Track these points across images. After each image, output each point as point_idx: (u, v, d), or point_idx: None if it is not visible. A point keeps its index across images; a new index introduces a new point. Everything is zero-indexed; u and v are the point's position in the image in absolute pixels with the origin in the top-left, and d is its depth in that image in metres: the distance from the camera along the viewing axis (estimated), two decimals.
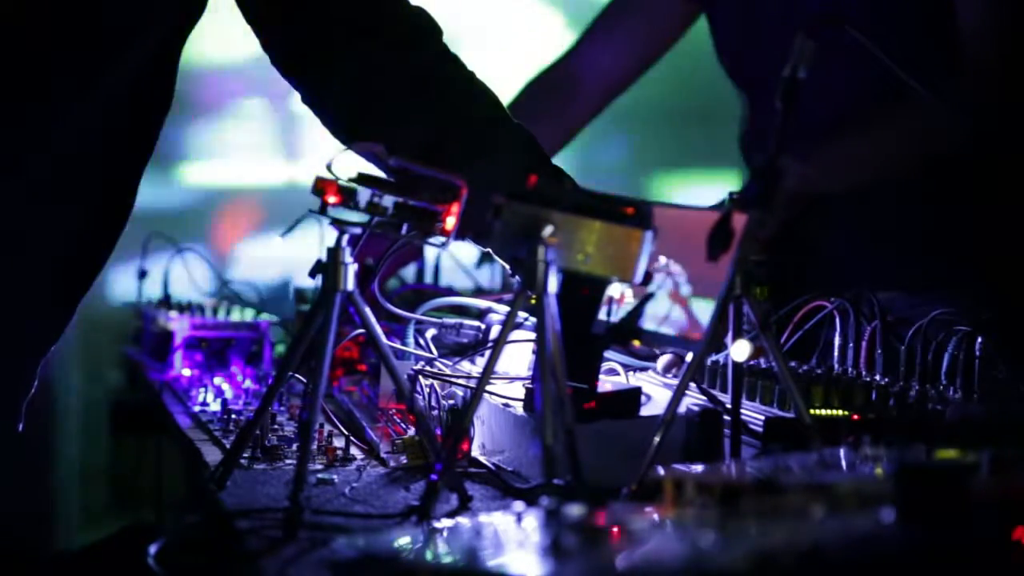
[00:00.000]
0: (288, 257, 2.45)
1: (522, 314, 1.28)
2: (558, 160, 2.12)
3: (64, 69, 1.31)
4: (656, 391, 1.45)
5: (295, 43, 1.53)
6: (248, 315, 2.11)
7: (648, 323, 1.25)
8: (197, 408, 1.70)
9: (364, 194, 1.23)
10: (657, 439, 1.16)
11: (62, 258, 1.40)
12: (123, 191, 1.42)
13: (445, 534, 0.93)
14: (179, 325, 2.00)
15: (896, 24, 1.82)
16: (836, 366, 1.45)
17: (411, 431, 1.43)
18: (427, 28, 1.58)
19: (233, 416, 1.60)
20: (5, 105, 1.31)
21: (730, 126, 2.13)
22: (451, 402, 1.46)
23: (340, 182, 1.22)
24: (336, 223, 1.24)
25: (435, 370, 1.53)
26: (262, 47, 1.55)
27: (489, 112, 1.60)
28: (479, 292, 2.34)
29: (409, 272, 2.42)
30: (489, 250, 1.65)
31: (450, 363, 1.56)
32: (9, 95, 1.31)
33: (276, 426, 1.53)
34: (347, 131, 1.57)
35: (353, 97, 1.54)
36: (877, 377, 1.40)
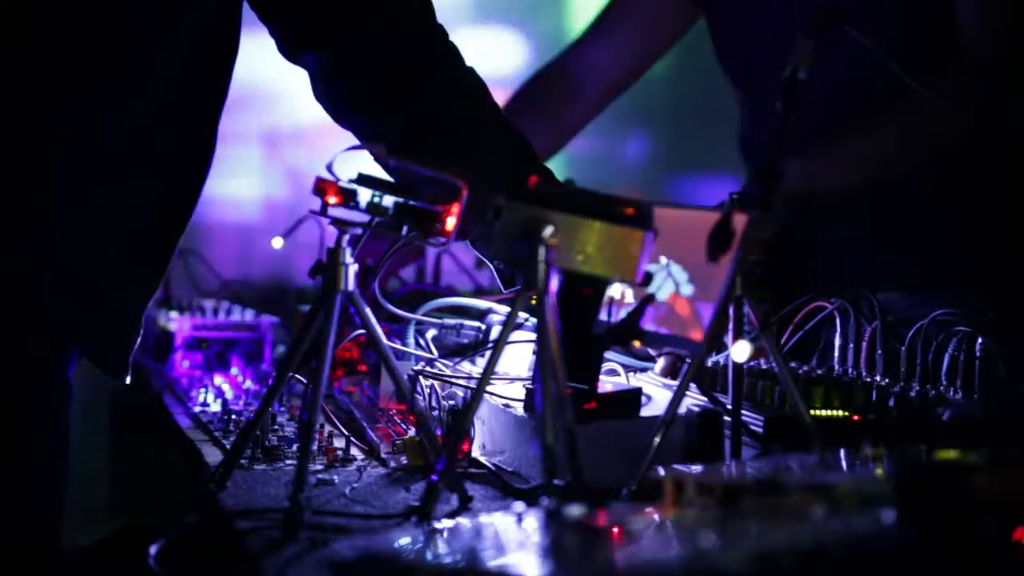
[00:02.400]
0: (288, 257, 2.46)
1: (522, 315, 1.28)
2: (557, 159, 2.12)
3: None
4: (656, 392, 1.45)
5: (298, 25, 1.55)
6: (248, 315, 2.11)
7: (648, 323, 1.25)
8: (197, 408, 1.70)
9: (364, 194, 1.23)
10: (657, 439, 1.16)
11: (158, 207, 1.45)
12: (207, 133, 1.49)
13: (445, 535, 0.93)
14: (179, 325, 2.00)
15: (896, 24, 1.81)
16: (836, 367, 1.45)
17: (411, 432, 1.44)
18: (419, 8, 1.58)
19: (233, 416, 1.61)
20: (109, 50, 1.38)
21: (730, 126, 2.13)
22: (451, 403, 1.46)
23: (340, 183, 1.22)
24: (336, 223, 1.24)
25: (435, 371, 1.53)
26: (270, 33, 1.56)
27: (477, 104, 1.60)
28: (479, 293, 2.34)
29: (409, 272, 2.42)
30: (479, 253, 1.66)
31: (450, 364, 1.56)
32: (108, 44, 1.38)
33: (276, 426, 1.53)
34: (336, 114, 1.58)
35: (347, 77, 1.55)
36: (877, 378, 1.40)
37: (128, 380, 1.49)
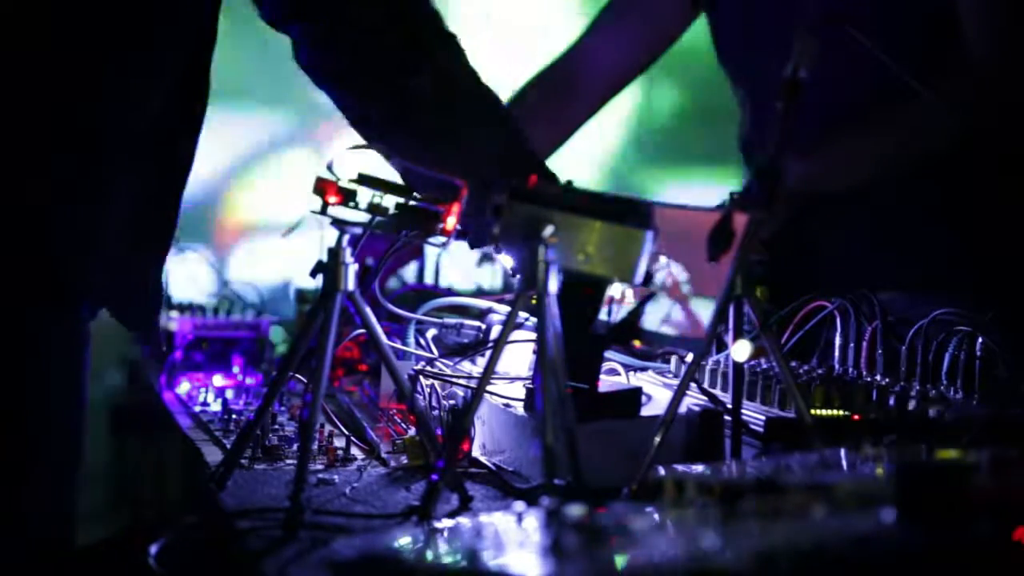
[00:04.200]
0: (289, 257, 2.46)
1: (523, 314, 1.28)
2: (558, 157, 2.12)
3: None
4: (656, 391, 1.45)
5: None
6: (249, 315, 2.11)
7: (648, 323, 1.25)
8: (198, 408, 1.70)
9: (365, 194, 1.23)
10: (657, 439, 1.16)
11: (160, 181, 1.49)
12: (196, 115, 1.51)
13: (446, 534, 0.93)
14: (180, 325, 2.00)
15: (897, 24, 1.82)
16: (837, 366, 1.45)
17: (412, 431, 1.44)
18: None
19: (234, 416, 1.61)
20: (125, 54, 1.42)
21: (730, 126, 2.13)
22: (452, 402, 1.46)
23: (340, 182, 1.22)
24: (337, 223, 1.24)
25: (436, 370, 1.53)
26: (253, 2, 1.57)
27: (468, 96, 1.59)
28: (479, 292, 2.34)
29: (409, 272, 2.42)
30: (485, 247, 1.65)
31: (451, 363, 1.56)
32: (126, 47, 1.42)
33: (277, 426, 1.53)
34: (318, 82, 1.58)
35: (332, 52, 1.55)
36: (878, 377, 1.40)
37: (162, 347, 1.52)
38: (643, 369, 1.59)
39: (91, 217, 1.42)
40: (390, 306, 1.61)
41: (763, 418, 1.27)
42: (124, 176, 1.44)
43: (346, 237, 1.24)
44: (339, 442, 1.45)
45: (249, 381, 1.84)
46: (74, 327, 1.46)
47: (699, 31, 2.13)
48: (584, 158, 3.04)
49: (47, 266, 1.40)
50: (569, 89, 2.17)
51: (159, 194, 1.50)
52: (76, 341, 1.46)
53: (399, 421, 1.53)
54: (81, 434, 1.49)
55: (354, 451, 1.44)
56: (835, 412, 1.31)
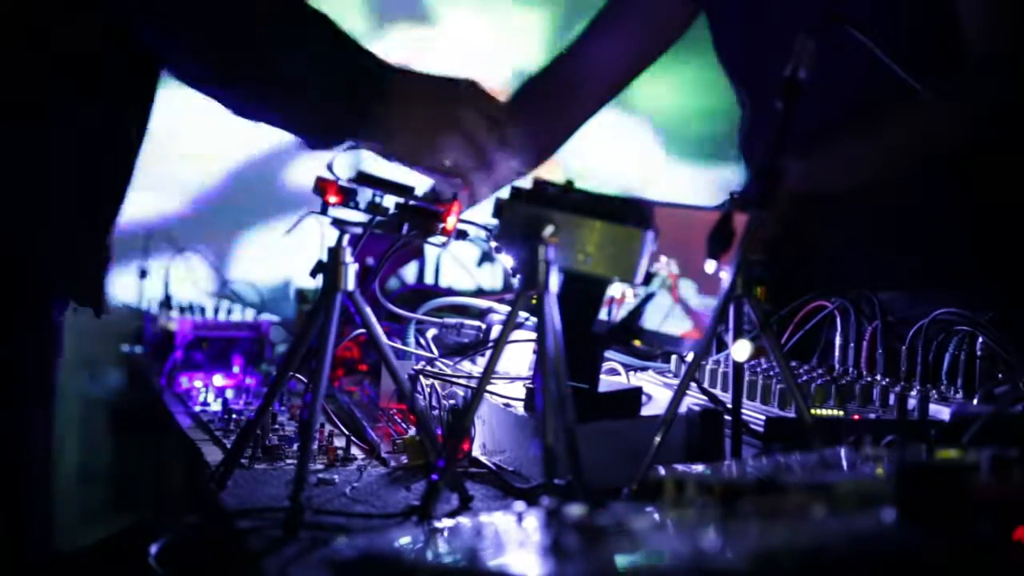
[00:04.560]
0: (289, 257, 2.46)
1: (523, 314, 1.28)
2: (557, 158, 2.11)
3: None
4: (656, 391, 1.45)
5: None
6: (249, 315, 2.11)
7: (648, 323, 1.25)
8: (198, 408, 1.70)
9: (365, 194, 1.23)
10: (657, 439, 1.16)
11: (111, 144, 1.48)
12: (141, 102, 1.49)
13: (446, 534, 0.93)
14: (180, 325, 2.01)
15: (897, 24, 1.82)
16: (837, 366, 1.45)
17: (412, 431, 1.44)
18: None
19: (234, 416, 1.61)
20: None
21: (730, 126, 2.13)
22: (452, 402, 1.46)
23: (340, 182, 1.22)
24: (337, 223, 1.24)
25: (436, 370, 1.53)
26: None
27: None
28: (480, 292, 2.34)
29: (410, 272, 2.42)
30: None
31: (451, 363, 1.56)
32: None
33: (277, 426, 1.53)
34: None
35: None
36: (878, 377, 1.40)
37: (104, 312, 1.51)
38: (643, 369, 1.59)
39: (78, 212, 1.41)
40: (390, 306, 1.61)
41: (763, 418, 1.27)
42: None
43: (346, 237, 1.24)
44: (339, 442, 1.45)
45: (249, 381, 1.84)
46: (48, 326, 1.45)
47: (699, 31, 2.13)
48: (583, 158, 3.04)
49: (23, 267, 1.39)
50: (567, 90, 2.16)
51: (112, 176, 1.49)
52: (49, 340, 1.46)
53: (399, 421, 1.53)
54: (52, 434, 1.48)
55: (354, 451, 1.44)
56: (835, 412, 1.31)
